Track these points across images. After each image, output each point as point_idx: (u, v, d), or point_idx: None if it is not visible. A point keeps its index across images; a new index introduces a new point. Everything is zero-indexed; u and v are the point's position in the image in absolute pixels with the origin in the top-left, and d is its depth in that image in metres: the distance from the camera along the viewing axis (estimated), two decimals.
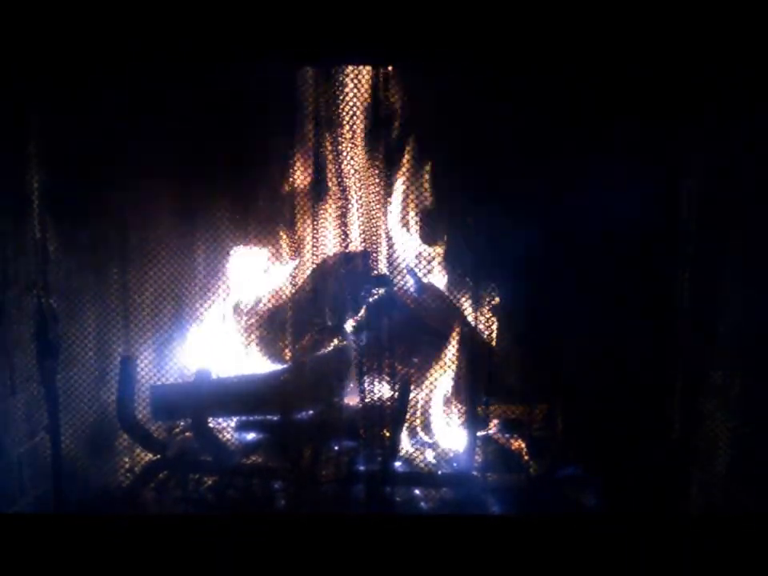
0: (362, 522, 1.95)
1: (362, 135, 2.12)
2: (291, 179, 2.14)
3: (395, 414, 2.15)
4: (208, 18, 1.78)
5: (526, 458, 2.23)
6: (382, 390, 2.13)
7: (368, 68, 2.04)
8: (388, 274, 2.15)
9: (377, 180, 2.10)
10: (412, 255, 2.24)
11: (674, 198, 2.10)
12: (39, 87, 1.94)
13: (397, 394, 2.14)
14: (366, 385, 2.13)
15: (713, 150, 2.01)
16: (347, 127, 2.10)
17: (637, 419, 2.14)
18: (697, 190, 2.07)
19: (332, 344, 2.23)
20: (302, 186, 2.16)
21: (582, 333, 2.13)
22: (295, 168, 2.13)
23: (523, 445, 2.24)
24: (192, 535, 1.88)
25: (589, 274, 2.12)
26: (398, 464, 2.18)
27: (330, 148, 2.13)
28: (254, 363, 2.27)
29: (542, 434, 2.22)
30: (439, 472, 2.21)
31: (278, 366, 2.24)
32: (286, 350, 2.23)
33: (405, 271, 2.21)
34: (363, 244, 2.14)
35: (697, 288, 2.05)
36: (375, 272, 2.16)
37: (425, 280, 2.28)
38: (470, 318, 2.23)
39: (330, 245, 2.17)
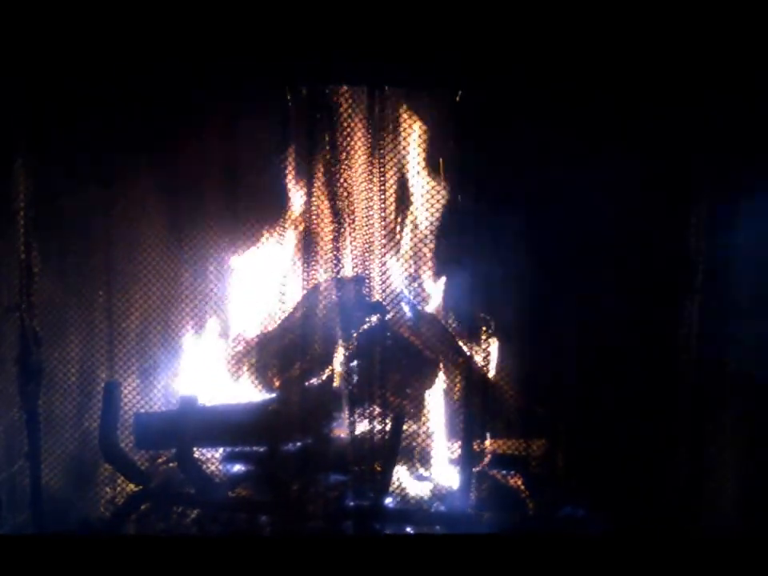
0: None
1: (357, 157, 2.08)
2: (284, 203, 2.10)
3: (387, 447, 2.07)
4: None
5: (524, 495, 2.14)
6: (374, 422, 2.06)
7: (364, 90, 2.00)
8: (382, 301, 2.09)
9: (372, 203, 2.06)
10: (407, 282, 2.18)
11: (682, 232, 2.04)
12: (26, 104, 1.92)
13: (389, 426, 2.07)
14: (357, 416, 2.07)
15: (724, 180, 1.95)
16: (342, 149, 2.06)
17: (640, 454, 2.07)
18: (707, 223, 2.00)
19: (323, 373, 2.15)
20: (295, 210, 2.13)
21: (582, 366, 2.07)
22: (288, 192, 2.09)
23: (521, 481, 2.15)
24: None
25: (591, 305, 2.06)
26: (389, 500, 2.10)
27: (323, 171, 2.08)
28: (242, 392, 2.20)
29: (541, 470, 2.14)
30: (432, 509, 2.12)
31: (267, 396, 2.17)
32: (275, 379, 2.17)
33: (400, 298, 2.15)
34: (357, 269, 2.09)
35: (704, 320, 1.99)
36: (369, 299, 2.10)
37: (420, 308, 2.22)
38: (466, 349, 2.17)
39: (323, 270, 2.12)
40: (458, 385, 2.16)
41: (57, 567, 1.79)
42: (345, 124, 2.04)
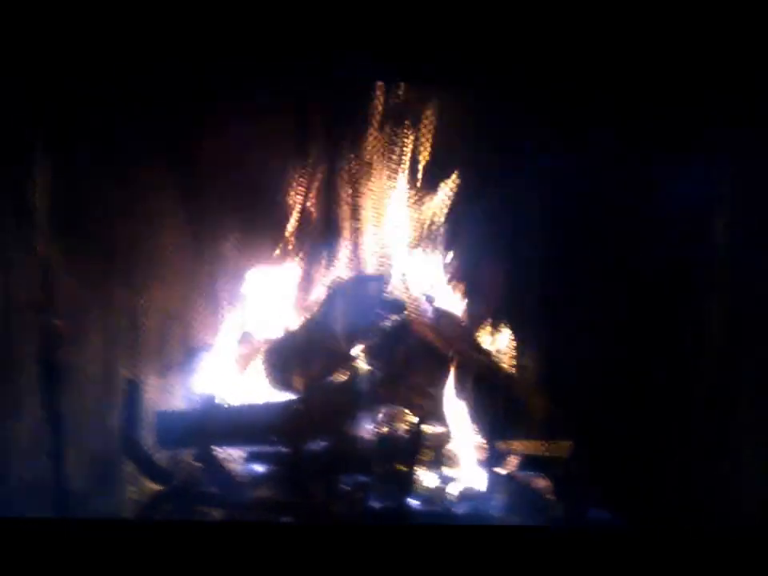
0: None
1: (378, 154, 2.06)
2: (305, 200, 2.09)
3: (410, 447, 2.05)
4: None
5: (550, 496, 2.10)
6: (397, 421, 2.05)
7: (383, 86, 1.99)
8: (403, 299, 2.06)
9: (393, 201, 2.04)
10: (429, 280, 2.15)
11: (707, 226, 1.99)
12: (43, 104, 1.93)
13: (412, 426, 2.06)
14: (379, 416, 2.06)
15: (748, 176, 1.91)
16: (363, 145, 2.05)
17: (668, 454, 2.03)
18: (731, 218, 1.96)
19: (345, 372, 2.14)
20: (316, 208, 2.11)
21: (607, 364, 2.03)
22: (309, 189, 2.08)
23: (546, 483, 2.11)
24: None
25: (616, 302, 2.04)
26: (412, 500, 2.07)
27: (344, 168, 2.07)
28: (264, 391, 2.19)
29: (567, 471, 2.10)
30: (456, 510, 2.08)
31: (289, 395, 2.15)
32: (297, 378, 2.15)
33: (421, 296, 2.12)
34: (378, 267, 2.07)
35: (727, 316, 1.94)
36: (390, 297, 2.08)
37: (442, 306, 2.19)
38: (489, 348, 2.14)
39: (344, 268, 2.10)
40: (482, 384, 2.13)
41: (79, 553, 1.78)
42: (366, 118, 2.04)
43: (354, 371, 2.12)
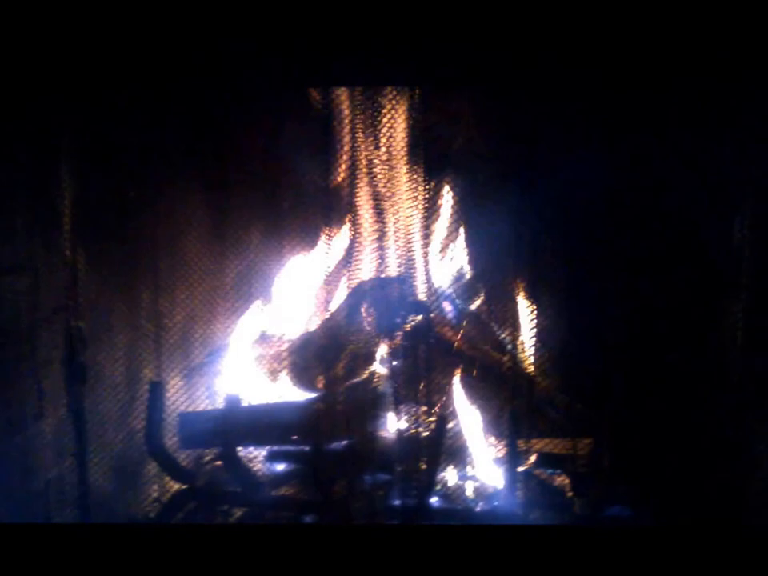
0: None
1: (400, 157, 2.07)
2: (326, 202, 2.09)
3: (432, 446, 2.06)
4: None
5: (570, 494, 2.11)
6: (418, 420, 2.05)
7: (406, 89, 1.99)
8: (425, 299, 2.07)
9: (414, 202, 2.04)
10: (450, 280, 2.16)
11: (731, 221, 1.99)
12: (69, 105, 1.92)
13: (433, 425, 2.06)
14: (401, 415, 2.06)
15: None
16: (384, 149, 2.05)
17: (689, 452, 2.03)
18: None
19: (366, 372, 2.15)
20: (337, 209, 2.12)
21: (629, 362, 2.03)
22: (330, 190, 2.08)
23: (566, 481, 2.13)
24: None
25: (638, 300, 2.03)
26: (434, 499, 2.09)
27: (366, 171, 2.08)
28: (286, 391, 2.21)
29: (587, 469, 2.11)
30: (477, 508, 2.10)
31: (311, 394, 2.17)
32: (319, 378, 2.16)
33: (442, 297, 2.13)
34: (399, 268, 2.08)
35: (757, 314, 1.94)
36: (412, 298, 2.09)
37: (463, 306, 2.20)
38: (510, 347, 2.15)
39: (366, 269, 2.11)
40: (502, 382, 2.14)
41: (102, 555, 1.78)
42: (387, 122, 2.04)
43: (376, 371, 2.13)
